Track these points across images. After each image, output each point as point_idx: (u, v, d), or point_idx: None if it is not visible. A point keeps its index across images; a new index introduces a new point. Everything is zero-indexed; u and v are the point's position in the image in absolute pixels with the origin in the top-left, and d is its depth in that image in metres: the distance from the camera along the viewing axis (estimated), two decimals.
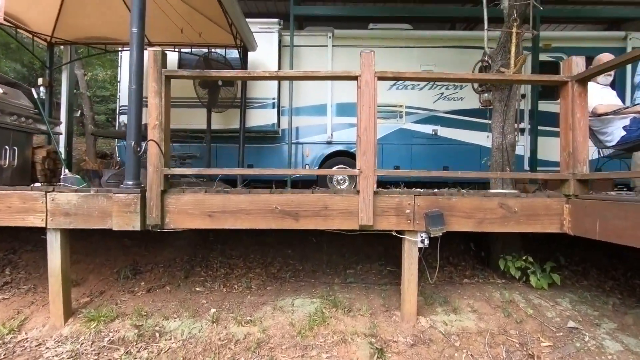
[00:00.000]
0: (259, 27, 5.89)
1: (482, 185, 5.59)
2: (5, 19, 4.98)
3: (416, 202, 2.60)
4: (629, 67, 6.03)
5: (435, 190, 3.08)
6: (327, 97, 6.28)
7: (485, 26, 3.45)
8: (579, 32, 7.07)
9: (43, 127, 4.54)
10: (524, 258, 3.14)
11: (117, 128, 6.69)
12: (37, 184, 4.45)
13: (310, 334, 2.53)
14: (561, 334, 2.53)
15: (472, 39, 6.15)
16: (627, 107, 3.01)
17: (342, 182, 6.21)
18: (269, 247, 3.96)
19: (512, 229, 2.64)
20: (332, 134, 6.27)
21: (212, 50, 5.62)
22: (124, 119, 5.95)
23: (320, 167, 6.28)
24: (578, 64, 2.57)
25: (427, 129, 6.34)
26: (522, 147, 6.15)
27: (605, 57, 3.11)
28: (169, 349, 2.40)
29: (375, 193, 2.56)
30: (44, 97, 5.37)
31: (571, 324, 2.61)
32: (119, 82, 6.53)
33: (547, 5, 4.69)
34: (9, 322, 2.61)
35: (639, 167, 3.50)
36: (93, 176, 4.99)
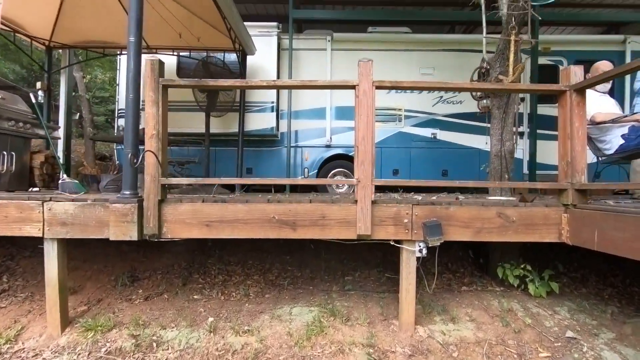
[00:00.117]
0: (257, 30, 5.89)
1: (482, 189, 5.59)
2: (3, 23, 4.97)
3: (414, 211, 2.60)
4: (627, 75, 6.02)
5: (434, 198, 3.07)
6: (326, 101, 6.28)
7: (484, 33, 3.44)
8: (578, 35, 7.07)
9: (41, 132, 4.53)
10: (522, 266, 3.13)
11: (115, 130, 6.68)
12: (35, 189, 4.46)
13: (308, 344, 2.52)
14: (559, 344, 2.52)
15: (471, 43, 6.15)
16: (626, 116, 3.01)
17: (341, 185, 6.22)
18: (267, 253, 3.95)
19: (510, 239, 2.63)
20: (331, 137, 6.27)
21: (211, 54, 5.61)
22: (122, 122, 5.95)
23: (319, 170, 6.28)
24: (576, 73, 2.56)
25: (426, 132, 6.34)
26: (521, 150, 6.15)
27: (603, 65, 3.11)
28: None
29: (373, 202, 2.55)
30: (42, 101, 5.36)
31: (569, 333, 2.60)
32: (118, 85, 6.52)
33: (546, 9, 4.69)
34: (5, 332, 2.61)
35: (637, 174, 3.50)
36: (91, 181, 4.97)
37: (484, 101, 3.70)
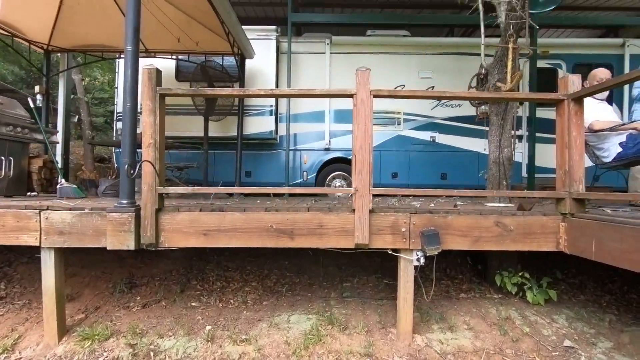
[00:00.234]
0: (256, 34, 5.89)
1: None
2: (1, 28, 4.97)
3: (412, 220, 2.59)
4: None
5: (432, 206, 3.07)
6: (325, 104, 6.28)
7: (482, 39, 3.43)
8: (577, 39, 7.05)
9: (39, 137, 4.52)
10: (520, 274, 3.13)
11: (114, 132, 6.68)
12: (34, 194, 4.46)
13: (305, 353, 2.52)
14: (557, 353, 2.52)
15: (470, 46, 6.15)
16: (624, 124, 3.00)
17: (340, 188, 6.23)
18: (266, 258, 3.95)
19: (508, 247, 2.63)
20: (330, 141, 6.27)
21: (210, 58, 5.61)
22: (120, 125, 5.94)
23: (318, 173, 6.28)
24: (574, 82, 2.56)
25: (425, 135, 6.34)
26: (520, 153, 6.15)
27: (600, 73, 3.11)
28: None
29: (370, 211, 2.55)
30: (40, 105, 5.36)
31: (567, 342, 2.60)
32: (117, 88, 6.51)
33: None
34: (2, 341, 2.60)
35: (636, 180, 3.50)
36: (90, 185, 4.97)
37: (483, 107, 3.69)
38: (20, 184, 4.28)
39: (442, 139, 6.33)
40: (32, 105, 4.66)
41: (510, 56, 3.15)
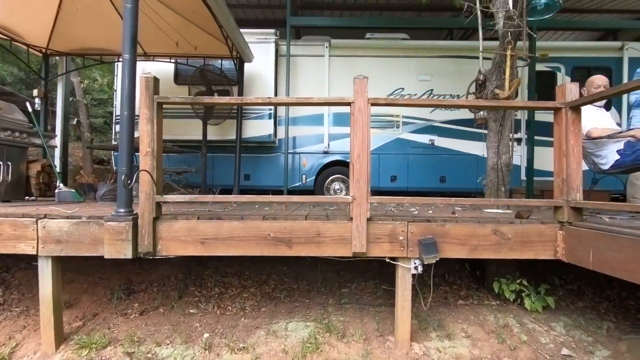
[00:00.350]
0: (255, 37, 5.88)
1: (480, 195, 5.58)
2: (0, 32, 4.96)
3: (409, 228, 2.59)
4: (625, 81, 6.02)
5: (430, 212, 3.07)
6: (324, 107, 6.28)
7: (480, 48, 3.43)
8: (576, 42, 7.07)
9: (38, 141, 4.53)
10: (518, 281, 3.13)
11: (113, 135, 6.68)
12: (32, 198, 4.46)
13: None
14: None
15: (469, 49, 6.15)
16: (621, 132, 3.00)
17: (339, 191, 6.23)
18: (264, 264, 3.95)
19: (506, 256, 2.63)
20: (329, 144, 6.27)
21: (208, 63, 5.61)
22: (119, 128, 5.94)
23: (317, 176, 6.29)
24: (572, 91, 2.55)
25: (424, 138, 6.34)
26: (519, 157, 6.15)
27: (598, 80, 3.11)
28: None
29: (368, 220, 2.55)
30: (39, 109, 5.35)
31: (565, 351, 2.60)
32: (115, 90, 6.50)
33: None
34: (0, 349, 2.60)
35: (634, 186, 3.50)
36: (88, 190, 4.96)
37: (481, 113, 3.70)
38: (19, 189, 4.28)
39: (441, 142, 6.33)
40: (30, 109, 4.66)
41: (508, 63, 3.16)
